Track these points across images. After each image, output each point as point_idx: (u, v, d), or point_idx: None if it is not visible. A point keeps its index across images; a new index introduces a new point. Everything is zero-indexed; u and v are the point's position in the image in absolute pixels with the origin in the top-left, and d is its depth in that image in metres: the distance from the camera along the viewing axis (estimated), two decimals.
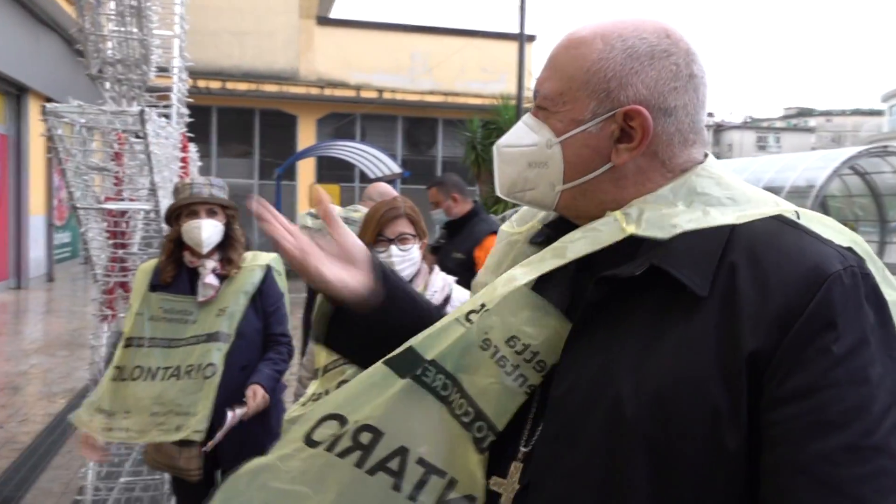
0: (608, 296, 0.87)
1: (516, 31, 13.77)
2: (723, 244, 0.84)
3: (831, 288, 0.77)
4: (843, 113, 70.19)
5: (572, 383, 0.86)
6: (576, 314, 0.90)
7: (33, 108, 11.59)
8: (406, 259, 2.23)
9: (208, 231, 2.51)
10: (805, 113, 74.44)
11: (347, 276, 1.01)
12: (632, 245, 0.87)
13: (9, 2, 10.25)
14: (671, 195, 0.90)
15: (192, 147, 5.00)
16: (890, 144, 18.95)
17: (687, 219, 0.87)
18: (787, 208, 0.91)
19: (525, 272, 0.91)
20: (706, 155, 0.96)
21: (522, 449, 0.90)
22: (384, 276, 1.05)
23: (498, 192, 1.02)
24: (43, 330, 8.68)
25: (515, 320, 0.92)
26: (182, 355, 2.46)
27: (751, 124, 70.58)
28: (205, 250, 2.52)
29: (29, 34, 11.15)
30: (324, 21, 17.89)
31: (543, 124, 0.95)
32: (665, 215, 0.88)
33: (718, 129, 70.41)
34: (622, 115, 0.89)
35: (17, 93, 11.49)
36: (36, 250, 12.21)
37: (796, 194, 15.80)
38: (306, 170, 16.95)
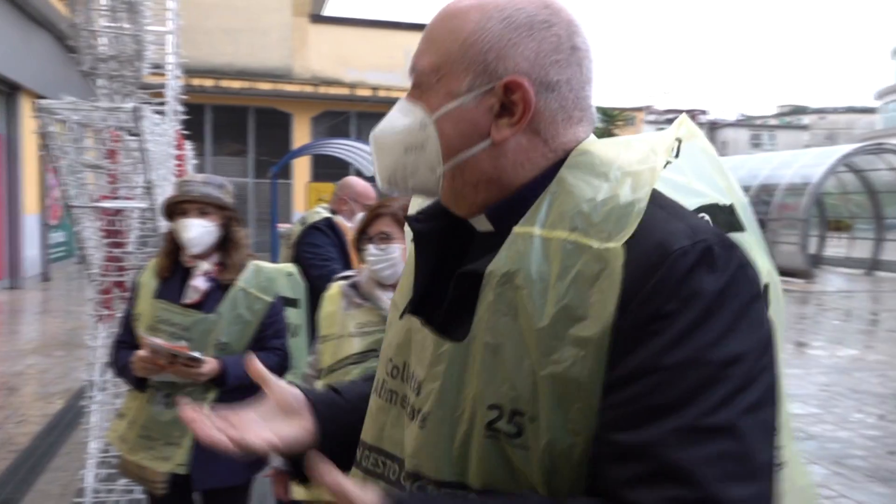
0: (469, 291, 0.84)
1: None
2: (631, 228, 0.82)
3: (672, 266, 0.74)
4: (836, 110, 70.31)
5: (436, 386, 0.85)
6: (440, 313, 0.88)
7: (25, 107, 11.52)
8: (383, 259, 2.14)
9: (194, 231, 2.38)
10: (799, 111, 74.63)
11: (290, 429, 0.97)
12: (497, 237, 0.85)
13: None
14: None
15: (187, 145, 4.97)
16: (884, 141, 18.99)
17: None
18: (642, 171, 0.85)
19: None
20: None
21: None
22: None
23: (379, 185, 0.97)
24: (39, 330, 8.63)
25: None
26: (176, 379, 2.33)
27: (745, 122, 70.69)
28: (192, 251, 2.40)
29: (20, 32, 11.08)
30: (317, 19, 17.84)
31: (417, 104, 0.89)
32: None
33: (713, 126, 70.57)
34: (502, 87, 0.84)
35: (8, 91, 11.42)
36: (31, 250, 12.14)
37: (792, 191, 15.83)
38: (302, 168, 16.89)
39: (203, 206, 2.41)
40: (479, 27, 0.85)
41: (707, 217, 0.90)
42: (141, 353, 2.26)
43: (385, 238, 2.15)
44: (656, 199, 0.82)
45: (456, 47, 0.86)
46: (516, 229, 0.83)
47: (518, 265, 0.80)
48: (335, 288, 2.31)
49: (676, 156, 0.94)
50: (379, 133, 0.94)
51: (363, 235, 2.21)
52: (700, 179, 0.95)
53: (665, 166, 0.88)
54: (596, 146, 0.87)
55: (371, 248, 2.15)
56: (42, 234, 12.82)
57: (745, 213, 0.97)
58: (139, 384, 2.37)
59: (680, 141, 0.94)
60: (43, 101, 3.06)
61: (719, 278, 0.74)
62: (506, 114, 0.85)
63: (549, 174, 0.86)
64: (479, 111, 0.85)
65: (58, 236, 13.91)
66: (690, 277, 0.73)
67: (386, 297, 2.16)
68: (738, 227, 0.94)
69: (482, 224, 0.91)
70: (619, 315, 0.74)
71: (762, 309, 0.77)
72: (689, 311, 0.72)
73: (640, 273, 0.74)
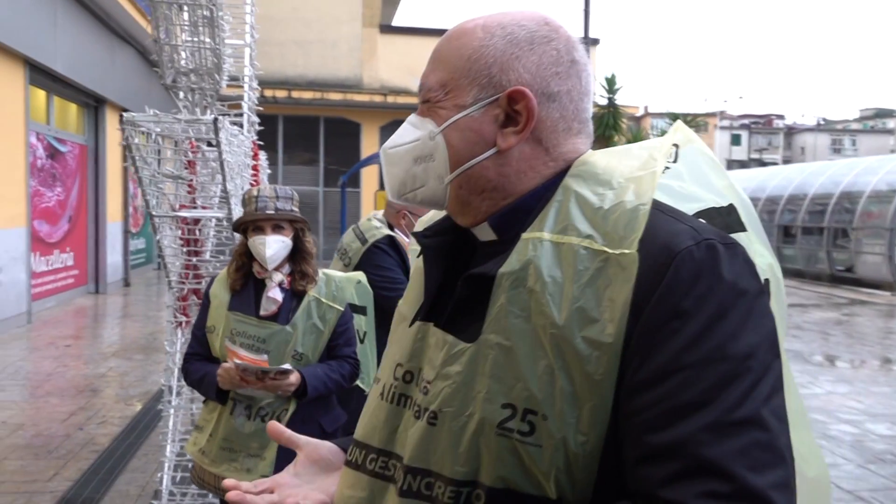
0: (476, 293, 0.87)
1: (580, 34, 13.60)
2: (640, 231, 0.84)
3: (680, 266, 0.76)
4: None
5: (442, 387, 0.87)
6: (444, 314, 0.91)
7: (110, 119, 12.04)
8: None
9: (273, 248, 2.39)
10: (883, 114, 71.28)
11: (334, 485, 0.99)
12: (500, 245, 0.90)
13: (87, 17, 10.68)
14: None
15: (262, 155, 5.07)
16: None
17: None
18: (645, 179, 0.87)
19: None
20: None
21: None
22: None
23: (389, 197, 1.01)
24: (120, 334, 8.97)
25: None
26: (253, 391, 2.35)
27: (824, 127, 68.08)
28: (270, 266, 2.42)
29: (105, 48, 11.59)
30: (386, 29, 18.07)
31: (426, 118, 0.95)
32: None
33: (790, 131, 68.06)
34: (506, 97, 0.90)
35: (94, 104, 11.95)
36: (113, 256, 12.66)
37: (877, 199, 15.11)
38: (370, 177, 17.11)
39: (278, 221, 2.43)
40: (484, 44, 0.91)
41: (703, 222, 0.91)
42: (226, 365, 2.29)
43: None
44: (656, 203, 0.85)
45: (462, 63, 0.92)
46: (525, 235, 0.86)
47: (529, 268, 0.83)
48: None
49: (675, 161, 0.96)
50: (389, 146, 0.99)
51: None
52: (697, 183, 0.96)
53: (664, 171, 0.91)
54: (596, 157, 0.92)
55: None
56: (124, 241, 13.36)
57: (746, 212, 0.97)
58: (220, 396, 2.40)
59: (677, 146, 0.96)
60: (127, 114, 3.15)
61: (727, 275, 0.77)
62: (510, 123, 0.90)
63: (550, 183, 0.91)
64: (484, 121, 0.91)
65: (138, 243, 14.46)
66: (700, 275, 0.76)
67: None
68: (737, 227, 0.94)
69: (485, 234, 0.95)
70: (633, 318, 0.76)
71: (766, 302, 0.81)
72: (705, 309, 0.75)
73: (650, 275, 0.77)
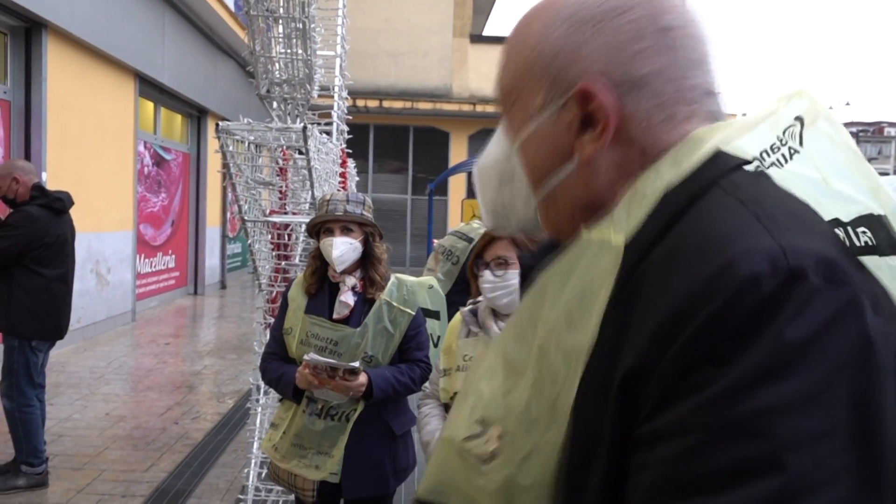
0: None
1: None
2: (640, 218, 0.65)
3: (738, 297, 0.54)
4: None
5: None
6: None
7: (211, 128, 12.60)
8: (500, 286, 1.96)
9: (340, 249, 2.45)
10: None
11: None
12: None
13: (192, 31, 11.24)
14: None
15: (351, 163, 5.19)
16: None
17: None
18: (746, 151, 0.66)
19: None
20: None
21: None
22: None
23: (487, 225, 0.88)
24: (215, 334, 9.36)
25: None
26: (327, 394, 2.41)
27: None
28: (338, 268, 2.47)
29: (208, 60, 12.17)
30: (477, 39, 18.16)
31: (503, 132, 0.81)
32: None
33: None
34: (577, 97, 0.71)
35: (197, 115, 12.55)
36: (211, 259, 13.25)
37: None
38: (458, 185, 17.21)
39: (347, 223, 2.48)
40: (543, 35, 0.75)
41: (869, 234, 0.62)
42: (302, 369, 2.37)
43: (502, 263, 1.99)
44: (755, 197, 0.62)
45: (523, 62, 0.76)
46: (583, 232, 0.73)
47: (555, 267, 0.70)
48: (457, 317, 2.24)
49: (800, 144, 0.69)
50: (479, 166, 0.86)
51: (479, 260, 2.07)
52: (839, 176, 0.67)
53: (791, 156, 0.68)
54: (705, 131, 0.69)
55: (487, 275, 2.00)
56: (221, 245, 13.95)
57: None
58: (296, 396, 2.47)
59: (802, 123, 0.69)
60: (223, 123, 3.30)
61: (807, 324, 0.53)
62: (590, 127, 0.72)
63: None
64: (557, 130, 0.74)
65: (234, 247, 15.07)
66: (761, 315, 0.54)
67: (497, 329, 2.01)
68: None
69: None
70: (654, 349, 0.57)
71: (872, 387, 0.53)
72: (752, 360, 0.53)
73: (691, 298, 0.56)
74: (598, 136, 0.71)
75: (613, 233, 0.65)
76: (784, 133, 0.69)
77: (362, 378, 2.35)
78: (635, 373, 0.59)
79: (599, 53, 0.71)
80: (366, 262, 2.53)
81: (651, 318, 0.59)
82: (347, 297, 2.48)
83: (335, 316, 2.48)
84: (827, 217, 0.63)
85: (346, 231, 2.48)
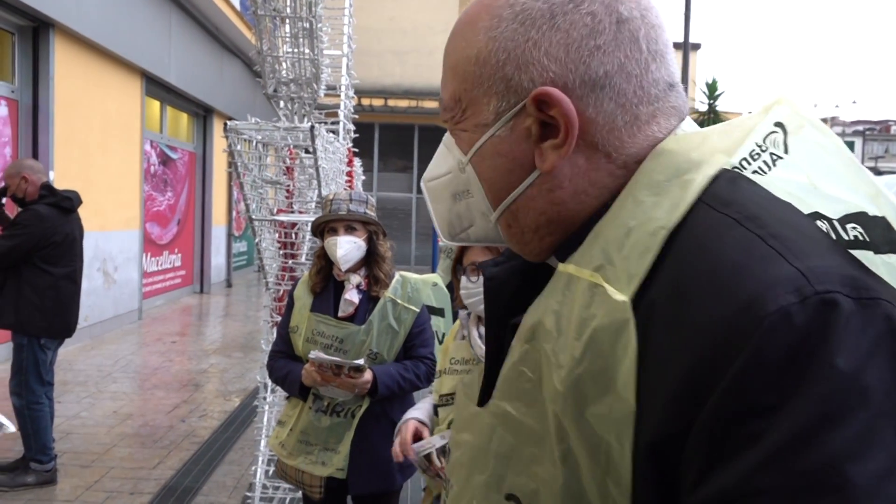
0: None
1: (680, 39, 13.24)
2: (645, 268, 0.58)
3: (770, 336, 0.49)
4: None
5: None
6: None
7: (217, 127, 12.65)
8: (474, 293, 1.93)
9: (344, 248, 2.47)
10: None
11: None
12: None
13: (198, 31, 11.27)
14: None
15: (357, 161, 5.21)
16: None
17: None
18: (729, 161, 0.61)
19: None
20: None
21: None
22: None
23: (442, 239, 0.82)
24: (221, 332, 9.39)
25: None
26: (333, 391, 2.44)
27: None
28: (343, 267, 2.50)
29: (214, 59, 12.20)
30: None
31: (454, 143, 0.73)
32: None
33: None
34: (533, 104, 0.65)
35: (203, 114, 12.59)
36: (217, 258, 13.29)
37: None
38: None
39: (350, 222, 2.50)
40: (490, 35, 0.67)
41: (860, 230, 0.58)
42: (308, 367, 2.40)
43: (476, 270, 1.95)
44: (756, 215, 0.57)
45: (470, 67, 0.69)
46: (560, 266, 0.65)
47: (544, 314, 0.63)
48: (459, 320, 2.24)
49: (785, 151, 0.64)
50: (427, 180, 0.79)
51: (458, 266, 2.05)
52: (830, 180, 0.62)
53: (774, 162, 0.63)
54: (677, 142, 0.65)
55: (463, 280, 1.98)
56: (227, 243, 13.99)
57: None
58: (303, 393, 2.49)
59: (784, 130, 0.64)
60: (231, 123, 3.32)
61: (853, 354, 0.48)
62: (550, 134, 0.66)
63: (616, 195, 0.67)
64: (514, 140, 0.67)
65: (240, 246, 15.11)
66: (802, 352, 0.48)
67: (477, 334, 2.00)
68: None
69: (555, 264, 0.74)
70: (681, 412, 0.52)
71: None
72: (803, 405, 0.48)
73: (716, 347, 0.51)
74: (560, 144, 0.65)
75: (610, 283, 0.59)
76: (764, 140, 0.64)
77: (367, 375, 2.37)
78: (664, 442, 0.53)
79: (554, 53, 0.65)
80: (370, 260, 2.55)
81: (670, 377, 0.53)
82: (352, 296, 2.51)
83: (340, 314, 2.51)
84: (807, 211, 0.59)
85: (349, 230, 2.50)
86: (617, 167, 0.66)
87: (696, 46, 17.92)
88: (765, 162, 0.63)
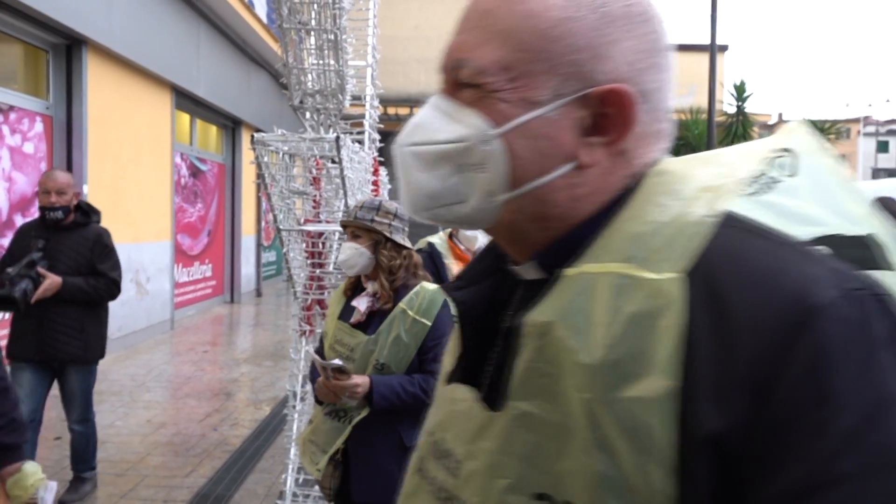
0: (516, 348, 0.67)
1: (706, 41, 13.12)
2: (690, 252, 0.62)
3: (822, 328, 0.53)
4: None
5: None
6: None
7: (246, 139, 12.80)
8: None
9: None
10: None
11: None
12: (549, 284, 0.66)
13: (226, 44, 11.44)
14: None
15: (383, 171, 5.24)
16: None
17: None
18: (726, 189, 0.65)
19: None
20: None
21: None
22: None
23: (407, 210, 0.75)
24: (251, 341, 9.48)
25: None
26: (344, 399, 2.45)
27: None
28: (347, 273, 2.55)
29: (242, 72, 12.37)
30: None
31: (471, 110, 0.68)
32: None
33: None
34: (599, 97, 0.66)
35: (232, 126, 12.76)
36: (247, 268, 13.44)
37: None
38: None
39: (356, 229, 2.52)
40: (569, 16, 0.66)
41: (829, 251, 0.66)
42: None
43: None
44: (769, 230, 0.63)
45: (536, 41, 0.66)
46: (568, 271, 0.64)
47: (561, 313, 0.61)
48: None
49: (792, 174, 0.69)
50: (415, 142, 0.73)
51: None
52: (823, 205, 0.68)
53: (773, 185, 0.68)
54: (674, 165, 0.70)
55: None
56: (257, 253, 14.14)
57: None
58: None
59: (790, 153, 0.70)
60: (257, 135, 3.36)
61: (889, 341, 0.55)
62: (596, 130, 0.67)
63: (614, 203, 0.68)
64: (562, 126, 0.67)
65: (269, 256, 15.26)
66: (852, 342, 0.53)
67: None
68: (874, 263, 0.65)
69: (530, 272, 0.73)
70: (744, 403, 0.54)
71: None
72: (864, 390, 0.52)
73: (772, 340, 0.54)
74: (610, 143, 0.67)
75: (646, 271, 0.60)
76: (769, 165, 0.69)
77: (356, 379, 2.34)
78: (724, 434, 0.54)
79: (628, 56, 0.67)
80: (376, 269, 2.52)
81: (721, 366, 0.55)
82: (360, 303, 2.51)
83: (351, 321, 2.53)
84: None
85: (354, 237, 2.52)
86: (627, 175, 0.69)
87: (724, 48, 17.73)
88: (766, 185, 0.68)
